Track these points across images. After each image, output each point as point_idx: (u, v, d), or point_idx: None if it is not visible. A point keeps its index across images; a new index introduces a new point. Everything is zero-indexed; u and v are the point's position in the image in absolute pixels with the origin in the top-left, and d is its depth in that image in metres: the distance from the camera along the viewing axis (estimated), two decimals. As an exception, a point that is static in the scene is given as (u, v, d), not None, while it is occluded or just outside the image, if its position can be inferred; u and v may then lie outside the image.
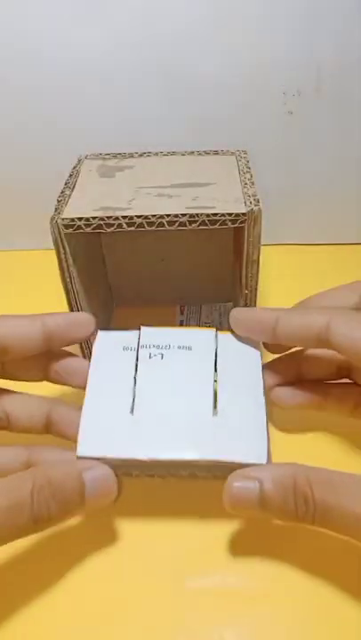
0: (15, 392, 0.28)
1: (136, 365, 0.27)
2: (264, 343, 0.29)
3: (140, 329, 0.29)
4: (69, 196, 0.30)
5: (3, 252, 0.49)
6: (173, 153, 0.34)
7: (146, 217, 0.27)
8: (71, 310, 0.31)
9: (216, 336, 0.29)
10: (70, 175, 0.32)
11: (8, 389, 0.28)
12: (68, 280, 0.30)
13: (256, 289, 0.31)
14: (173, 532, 0.28)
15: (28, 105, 0.41)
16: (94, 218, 0.27)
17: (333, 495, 0.22)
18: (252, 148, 0.39)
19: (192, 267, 0.40)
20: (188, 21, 0.37)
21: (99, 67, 0.39)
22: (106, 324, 0.38)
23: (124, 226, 0.28)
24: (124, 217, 0.27)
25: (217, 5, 0.36)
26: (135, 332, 0.29)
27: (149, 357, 0.28)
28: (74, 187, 0.31)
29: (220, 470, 0.24)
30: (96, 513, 0.25)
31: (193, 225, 0.27)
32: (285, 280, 0.43)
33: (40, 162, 0.43)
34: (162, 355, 0.28)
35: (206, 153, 0.34)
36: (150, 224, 0.27)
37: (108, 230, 0.28)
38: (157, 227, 0.28)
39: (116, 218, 0.27)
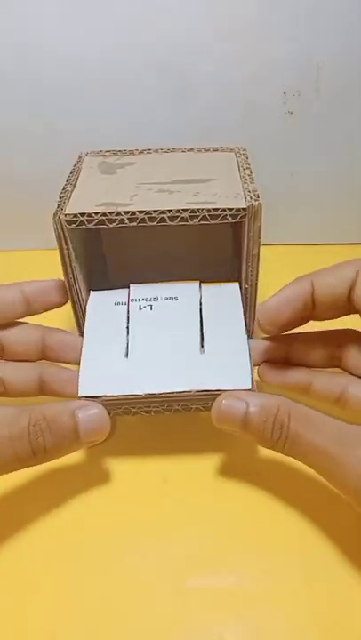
0: (7, 361, 0.31)
1: (128, 316, 0.30)
2: (262, 327, 0.28)
3: (129, 287, 0.32)
4: (71, 192, 0.30)
5: (3, 252, 0.49)
6: (173, 150, 0.35)
7: (148, 212, 0.28)
8: (74, 309, 0.32)
9: (200, 287, 0.32)
10: (72, 172, 0.32)
11: (3, 358, 0.31)
12: (71, 276, 0.30)
13: (256, 283, 0.31)
14: (173, 531, 0.28)
15: (28, 105, 0.41)
16: (97, 213, 0.28)
17: (304, 428, 0.24)
18: (252, 147, 0.40)
19: (192, 263, 0.40)
20: (188, 21, 0.37)
21: (99, 66, 0.39)
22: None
23: (126, 221, 0.28)
24: (126, 212, 0.28)
25: (217, 5, 0.36)
26: (125, 290, 0.32)
27: (139, 309, 0.31)
28: (75, 183, 0.31)
29: (211, 401, 0.26)
30: (90, 447, 0.27)
31: (194, 220, 0.28)
32: (285, 280, 0.42)
33: (40, 161, 0.43)
34: (151, 306, 0.31)
35: (206, 150, 0.35)
36: (152, 219, 0.28)
37: (111, 226, 0.28)
38: (159, 222, 0.28)
39: (118, 213, 0.28)
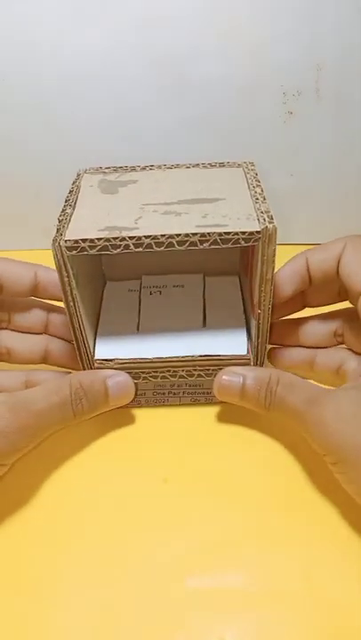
0: (15, 331, 0.33)
1: (140, 299, 0.35)
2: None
3: (141, 278, 0.37)
4: (71, 214, 0.28)
5: (2, 252, 0.47)
6: (177, 166, 0.33)
7: (155, 237, 0.26)
8: (74, 334, 0.30)
9: (204, 278, 0.37)
10: (70, 192, 0.30)
11: (8, 328, 0.33)
12: (72, 304, 0.28)
13: (270, 308, 0.29)
14: (173, 531, 0.28)
15: (28, 104, 0.40)
16: (99, 239, 0.26)
17: (286, 391, 0.28)
18: (251, 147, 0.41)
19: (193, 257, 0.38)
20: (188, 21, 0.36)
21: (99, 66, 0.38)
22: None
23: (132, 247, 0.26)
24: (132, 237, 0.26)
25: (217, 6, 0.36)
26: (138, 281, 0.37)
27: (150, 294, 0.36)
28: (75, 204, 0.29)
29: (212, 367, 0.31)
30: (117, 406, 0.31)
31: (205, 244, 0.26)
32: None
33: (40, 161, 0.42)
34: (160, 291, 0.36)
35: (212, 165, 0.33)
36: (159, 244, 0.26)
37: (115, 252, 0.26)
38: (167, 247, 0.26)
39: (123, 239, 0.26)
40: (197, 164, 0.33)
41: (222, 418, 0.34)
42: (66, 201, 0.29)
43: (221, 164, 0.33)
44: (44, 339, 0.33)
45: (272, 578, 0.26)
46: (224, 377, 0.30)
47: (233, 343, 0.32)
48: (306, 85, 0.39)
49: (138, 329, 0.33)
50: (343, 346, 0.33)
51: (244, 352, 0.31)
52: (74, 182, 0.31)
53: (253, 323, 0.30)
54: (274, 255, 0.27)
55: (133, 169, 0.33)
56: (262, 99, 0.40)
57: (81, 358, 0.31)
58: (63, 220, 0.27)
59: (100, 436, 0.33)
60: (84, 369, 0.32)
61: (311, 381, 0.30)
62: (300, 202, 0.46)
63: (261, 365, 0.33)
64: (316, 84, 0.39)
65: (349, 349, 0.33)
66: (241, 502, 0.29)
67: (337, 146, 0.42)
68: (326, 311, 0.33)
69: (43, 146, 0.41)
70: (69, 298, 0.28)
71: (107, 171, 0.33)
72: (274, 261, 0.27)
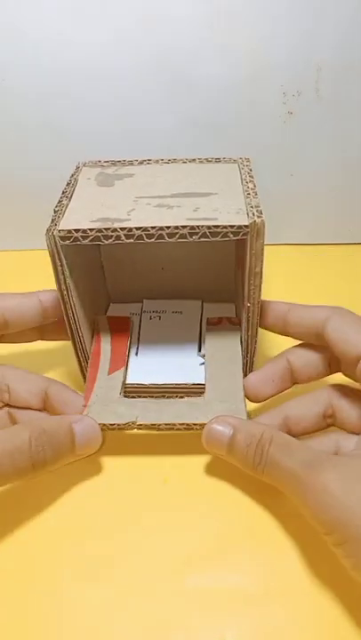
0: (17, 368, 0.31)
1: (140, 324, 0.37)
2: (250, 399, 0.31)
3: (142, 301, 0.39)
4: (66, 205, 0.29)
5: (3, 252, 0.48)
6: (174, 160, 0.33)
7: (145, 229, 0.26)
8: (68, 322, 0.31)
9: (202, 304, 0.38)
10: (68, 184, 0.31)
11: (9, 365, 0.32)
12: (65, 293, 0.29)
13: (259, 302, 0.30)
14: (173, 531, 0.28)
15: (28, 104, 0.40)
16: (92, 229, 0.26)
17: (281, 453, 0.25)
18: (251, 147, 0.40)
19: (193, 275, 0.39)
20: (188, 22, 0.36)
21: (98, 66, 0.38)
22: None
23: (123, 238, 0.27)
24: (123, 229, 0.26)
25: (217, 6, 0.36)
26: (139, 304, 0.39)
27: (150, 319, 0.37)
28: (71, 196, 0.30)
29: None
30: (84, 456, 0.29)
31: (194, 237, 0.27)
32: (285, 280, 0.43)
33: (39, 161, 0.43)
34: (159, 317, 0.38)
35: (208, 160, 0.33)
36: (150, 236, 0.27)
37: (107, 242, 0.27)
38: (157, 239, 0.27)
39: (115, 230, 0.26)
40: (194, 159, 0.33)
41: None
42: (63, 192, 0.30)
43: (218, 160, 0.33)
44: (44, 380, 0.31)
45: (272, 578, 0.26)
46: (213, 425, 0.27)
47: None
48: (306, 85, 0.39)
49: (137, 354, 0.35)
50: (334, 428, 0.30)
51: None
52: (72, 174, 0.32)
53: (244, 316, 0.31)
54: (262, 249, 0.27)
55: (131, 163, 0.33)
56: (262, 99, 0.40)
57: (75, 351, 0.32)
58: (59, 211, 0.28)
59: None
60: (79, 363, 0.33)
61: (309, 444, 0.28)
62: (300, 202, 0.46)
63: (252, 360, 0.33)
64: (316, 84, 0.39)
65: (342, 429, 0.29)
66: (241, 502, 0.29)
67: (337, 146, 0.42)
68: (311, 392, 0.30)
69: (43, 146, 0.42)
70: (62, 286, 0.29)
71: (105, 164, 0.33)
72: (263, 254, 0.27)
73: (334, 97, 0.40)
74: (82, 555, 0.27)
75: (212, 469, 0.31)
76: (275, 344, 0.33)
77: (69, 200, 0.29)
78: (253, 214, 0.27)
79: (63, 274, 0.28)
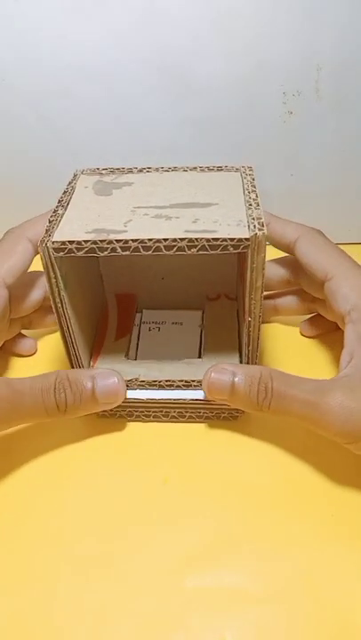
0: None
1: (138, 335, 0.37)
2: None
3: (142, 312, 0.38)
4: (62, 215, 0.28)
5: None
6: (175, 168, 0.32)
7: (142, 241, 0.25)
8: (63, 337, 0.30)
9: (203, 315, 0.38)
10: (65, 192, 0.30)
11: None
12: (60, 305, 0.28)
13: (260, 316, 0.29)
14: (173, 531, 0.28)
15: (28, 104, 0.40)
16: (86, 241, 0.26)
17: (286, 385, 0.27)
18: (252, 147, 0.41)
19: (194, 285, 0.38)
20: (188, 22, 0.36)
21: (99, 67, 0.38)
22: (101, 341, 0.36)
23: (119, 250, 0.26)
24: (119, 240, 0.26)
25: (217, 6, 0.36)
26: (139, 314, 0.38)
27: (149, 330, 0.37)
28: (67, 205, 0.29)
29: (203, 411, 0.32)
30: (106, 408, 0.30)
31: (192, 250, 0.26)
32: None
33: (39, 161, 0.42)
34: (159, 328, 0.38)
35: (209, 169, 0.32)
36: (146, 248, 0.26)
37: (102, 254, 0.26)
38: (154, 251, 0.26)
39: (110, 242, 0.26)
40: (195, 168, 0.32)
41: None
42: (59, 202, 0.29)
43: (220, 168, 0.32)
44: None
45: (272, 578, 0.26)
46: (213, 374, 0.29)
47: None
48: (306, 85, 0.39)
49: (135, 359, 0.34)
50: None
51: None
52: (69, 183, 0.31)
53: (244, 330, 0.30)
54: (264, 262, 0.26)
55: (130, 171, 0.32)
56: (262, 99, 0.40)
57: (70, 361, 0.31)
58: (53, 221, 0.27)
59: (101, 437, 0.33)
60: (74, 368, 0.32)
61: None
62: (300, 202, 0.45)
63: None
64: (316, 84, 0.39)
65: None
66: (241, 502, 0.29)
67: (337, 146, 0.42)
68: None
69: (42, 146, 0.41)
70: (57, 299, 0.28)
71: (103, 172, 0.32)
72: (264, 269, 0.26)
73: (334, 97, 0.40)
74: (82, 554, 0.27)
75: (212, 469, 0.31)
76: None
77: (65, 209, 0.28)
78: (255, 227, 0.26)
79: (57, 286, 0.27)
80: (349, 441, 0.26)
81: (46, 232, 0.26)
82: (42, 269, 0.27)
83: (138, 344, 0.36)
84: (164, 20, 0.36)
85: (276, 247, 0.34)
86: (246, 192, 0.29)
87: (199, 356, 0.35)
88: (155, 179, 0.31)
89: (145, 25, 0.36)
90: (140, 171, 0.32)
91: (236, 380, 0.28)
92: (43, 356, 0.38)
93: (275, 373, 0.28)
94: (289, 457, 0.31)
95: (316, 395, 0.26)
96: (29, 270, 0.33)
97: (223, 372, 0.29)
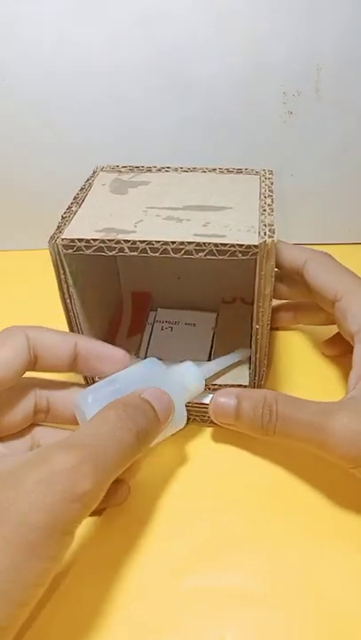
0: (43, 329, 0.27)
1: (151, 333, 0.37)
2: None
3: (157, 310, 0.38)
4: (75, 212, 0.28)
5: (3, 252, 0.48)
6: (194, 169, 0.32)
7: (149, 242, 0.25)
8: (71, 330, 0.30)
9: (217, 318, 0.37)
10: (81, 188, 0.30)
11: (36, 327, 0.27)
12: (68, 301, 0.28)
13: (268, 324, 0.28)
14: (173, 531, 0.28)
15: (28, 105, 0.40)
16: (95, 240, 0.26)
17: (291, 408, 0.27)
18: (252, 147, 0.41)
19: (210, 287, 0.38)
20: (188, 22, 0.36)
21: (98, 66, 0.38)
22: (112, 339, 0.36)
23: (126, 250, 0.26)
24: (127, 241, 0.25)
25: (217, 6, 0.36)
26: (154, 313, 0.38)
27: (161, 329, 0.37)
28: (82, 202, 0.29)
29: (207, 414, 0.30)
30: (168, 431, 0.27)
31: (200, 254, 0.25)
32: None
33: (40, 161, 0.43)
34: (171, 328, 0.37)
35: (229, 171, 0.32)
36: (154, 250, 0.26)
37: (110, 253, 0.26)
38: (162, 253, 0.26)
39: (118, 242, 0.26)
40: (214, 169, 0.32)
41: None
42: (74, 198, 0.29)
43: (239, 170, 0.32)
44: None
45: (272, 578, 0.26)
46: (218, 399, 0.29)
47: (235, 377, 0.32)
48: (306, 85, 0.39)
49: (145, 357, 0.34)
50: None
51: (245, 382, 0.31)
52: (87, 179, 0.32)
53: (253, 338, 0.29)
54: (272, 270, 0.26)
55: (149, 170, 0.32)
56: (262, 99, 0.40)
57: None
58: (66, 218, 0.28)
59: None
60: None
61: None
62: (300, 202, 0.45)
63: (260, 383, 0.32)
64: (316, 84, 0.39)
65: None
66: (241, 502, 0.29)
67: (337, 146, 0.42)
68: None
69: (43, 146, 0.42)
70: (66, 295, 0.28)
71: (123, 170, 0.32)
72: (273, 276, 0.26)
73: (334, 97, 0.39)
74: (81, 554, 0.27)
75: (213, 469, 0.31)
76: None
77: (79, 206, 0.29)
78: (265, 234, 0.25)
79: (66, 282, 0.27)
80: (354, 465, 0.26)
81: (57, 228, 0.27)
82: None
83: (149, 343, 0.36)
84: (164, 21, 0.36)
85: (285, 272, 0.32)
86: (262, 197, 0.29)
87: (209, 359, 0.34)
88: (172, 179, 0.31)
89: (145, 25, 0.36)
90: (159, 170, 0.32)
91: (241, 404, 0.28)
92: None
93: (280, 396, 0.28)
94: (290, 456, 0.31)
95: (322, 417, 0.26)
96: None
97: (228, 396, 0.29)
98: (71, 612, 0.25)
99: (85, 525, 0.28)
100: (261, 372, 0.31)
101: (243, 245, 0.25)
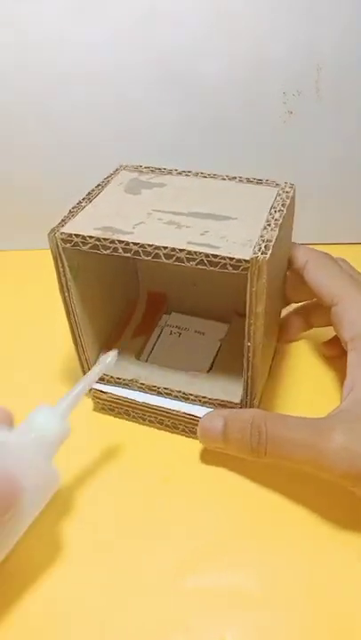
0: None
1: (159, 335, 0.36)
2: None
3: (170, 314, 0.38)
4: (83, 208, 0.28)
5: (3, 252, 0.49)
6: (214, 176, 0.31)
7: (142, 245, 0.25)
8: (70, 325, 0.30)
9: (227, 329, 0.36)
10: (98, 185, 0.31)
11: None
12: (67, 294, 0.29)
13: (260, 342, 0.27)
14: (173, 531, 0.28)
15: (28, 105, 0.40)
16: (91, 237, 0.26)
17: (281, 427, 0.26)
18: (252, 147, 0.41)
19: (225, 296, 0.37)
20: (188, 22, 0.36)
21: (98, 66, 0.38)
22: (117, 337, 0.36)
23: (120, 251, 0.26)
24: (121, 242, 0.25)
25: (218, 6, 0.36)
26: (167, 316, 0.38)
27: (170, 334, 0.37)
28: (93, 199, 0.29)
29: (195, 426, 0.30)
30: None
31: (191, 263, 0.25)
32: None
33: (39, 160, 0.43)
34: (179, 334, 0.37)
35: (249, 180, 0.31)
36: (147, 254, 0.25)
37: (105, 252, 0.26)
38: (154, 257, 0.25)
39: (113, 241, 0.26)
40: (235, 177, 0.31)
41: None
42: (88, 193, 0.30)
43: (259, 181, 0.31)
44: None
45: (272, 578, 0.26)
46: (203, 422, 0.29)
47: (231, 390, 0.31)
48: (306, 85, 0.39)
49: (147, 361, 0.34)
50: None
51: (237, 400, 0.30)
52: (107, 176, 0.32)
53: (244, 355, 0.28)
54: (264, 288, 0.24)
55: (170, 172, 0.32)
56: (262, 99, 0.39)
57: (77, 352, 0.32)
58: (73, 212, 0.28)
59: (101, 437, 0.33)
60: (82, 367, 0.33)
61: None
62: (300, 202, 0.43)
63: (251, 403, 0.30)
64: (317, 84, 0.39)
65: None
66: (241, 502, 0.29)
67: (337, 146, 0.42)
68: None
69: (43, 146, 0.42)
70: (64, 288, 0.28)
71: (144, 170, 0.32)
72: (264, 294, 0.25)
73: (334, 96, 0.39)
74: (81, 554, 0.27)
75: (213, 469, 0.30)
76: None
77: (89, 202, 0.29)
78: (259, 249, 0.24)
79: (65, 275, 0.28)
80: (354, 484, 0.25)
81: (60, 222, 0.27)
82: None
83: (154, 346, 0.36)
84: (164, 21, 0.36)
85: (291, 272, 0.32)
86: (272, 210, 0.27)
87: (209, 371, 0.34)
88: (188, 183, 0.31)
89: (146, 25, 0.36)
90: (180, 173, 0.32)
91: (228, 426, 0.28)
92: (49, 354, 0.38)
93: (268, 416, 0.27)
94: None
95: (316, 436, 0.25)
96: None
97: (214, 419, 0.28)
98: (71, 611, 0.25)
99: (84, 525, 0.28)
100: (254, 392, 0.29)
101: (233, 259, 0.24)
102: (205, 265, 0.25)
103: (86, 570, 0.26)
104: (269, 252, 0.24)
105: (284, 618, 0.24)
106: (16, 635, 0.24)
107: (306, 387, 0.35)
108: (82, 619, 0.25)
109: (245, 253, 0.24)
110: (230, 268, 0.24)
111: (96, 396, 0.33)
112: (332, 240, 0.46)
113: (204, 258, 0.24)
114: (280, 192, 0.29)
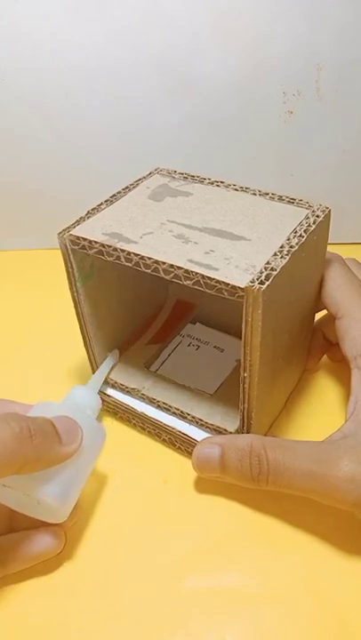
0: None
1: (176, 346, 0.35)
2: None
3: (195, 324, 0.37)
4: (100, 211, 0.28)
5: (2, 252, 0.49)
6: (246, 189, 0.29)
7: (142, 257, 0.24)
8: (79, 323, 0.30)
9: None
10: (125, 187, 0.30)
11: None
12: (75, 294, 0.29)
13: (258, 375, 0.25)
14: (173, 531, 0.28)
15: (28, 105, 0.40)
16: (96, 243, 0.25)
17: (283, 455, 0.25)
18: (252, 147, 0.41)
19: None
20: (188, 22, 0.36)
21: (97, 65, 0.38)
22: (132, 341, 0.36)
23: (122, 260, 0.25)
24: (123, 251, 0.25)
25: (217, 6, 0.34)
26: (192, 325, 0.37)
27: (188, 345, 0.35)
28: (114, 202, 0.29)
29: (191, 446, 0.29)
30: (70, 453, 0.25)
31: (187, 282, 0.23)
32: None
33: (39, 160, 0.43)
34: (198, 346, 0.35)
35: (280, 199, 0.28)
36: (146, 266, 0.24)
37: (109, 259, 0.26)
38: (153, 271, 0.24)
39: (116, 249, 0.25)
40: (267, 194, 0.29)
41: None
42: (112, 195, 0.29)
43: (291, 201, 0.28)
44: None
45: (272, 578, 0.26)
46: (198, 449, 0.27)
47: (231, 418, 0.29)
48: (306, 85, 0.39)
49: (156, 371, 0.33)
50: None
51: (233, 429, 0.29)
52: (138, 179, 0.31)
53: (240, 386, 0.26)
54: (260, 320, 0.23)
55: (201, 181, 0.31)
56: (262, 99, 0.39)
57: (87, 351, 0.32)
58: (89, 214, 0.28)
59: None
60: (91, 364, 0.33)
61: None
62: None
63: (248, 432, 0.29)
64: (317, 84, 0.39)
65: None
66: (241, 502, 0.28)
67: (337, 146, 0.42)
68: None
69: (43, 146, 0.41)
70: (73, 289, 0.28)
71: (176, 176, 0.31)
72: (260, 326, 0.23)
73: (335, 96, 0.39)
74: (81, 554, 0.27)
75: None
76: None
77: (108, 205, 0.28)
78: (259, 278, 0.22)
79: (73, 276, 0.28)
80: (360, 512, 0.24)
81: (75, 222, 0.27)
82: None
83: (169, 356, 0.35)
84: (164, 21, 0.35)
85: None
86: (293, 234, 0.25)
87: (215, 391, 0.32)
88: (215, 195, 0.29)
89: (145, 25, 0.35)
90: (211, 183, 0.30)
91: (226, 454, 0.26)
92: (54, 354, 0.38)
93: (268, 442, 0.25)
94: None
95: (322, 465, 0.24)
96: None
97: (210, 446, 0.27)
98: (71, 612, 0.25)
99: (84, 525, 0.28)
100: (250, 424, 0.28)
101: (228, 285, 0.22)
102: (202, 286, 0.23)
103: (86, 570, 0.26)
104: (269, 281, 0.22)
105: (284, 617, 0.24)
106: (16, 635, 0.24)
107: (320, 420, 0.33)
108: (82, 619, 0.25)
109: (242, 280, 0.22)
110: (226, 294, 0.23)
111: (102, 398, 0.33)
112: (331, 240, 0.43)
113: (200, 279, 0.23)
114: (309, 215, 0.27)
